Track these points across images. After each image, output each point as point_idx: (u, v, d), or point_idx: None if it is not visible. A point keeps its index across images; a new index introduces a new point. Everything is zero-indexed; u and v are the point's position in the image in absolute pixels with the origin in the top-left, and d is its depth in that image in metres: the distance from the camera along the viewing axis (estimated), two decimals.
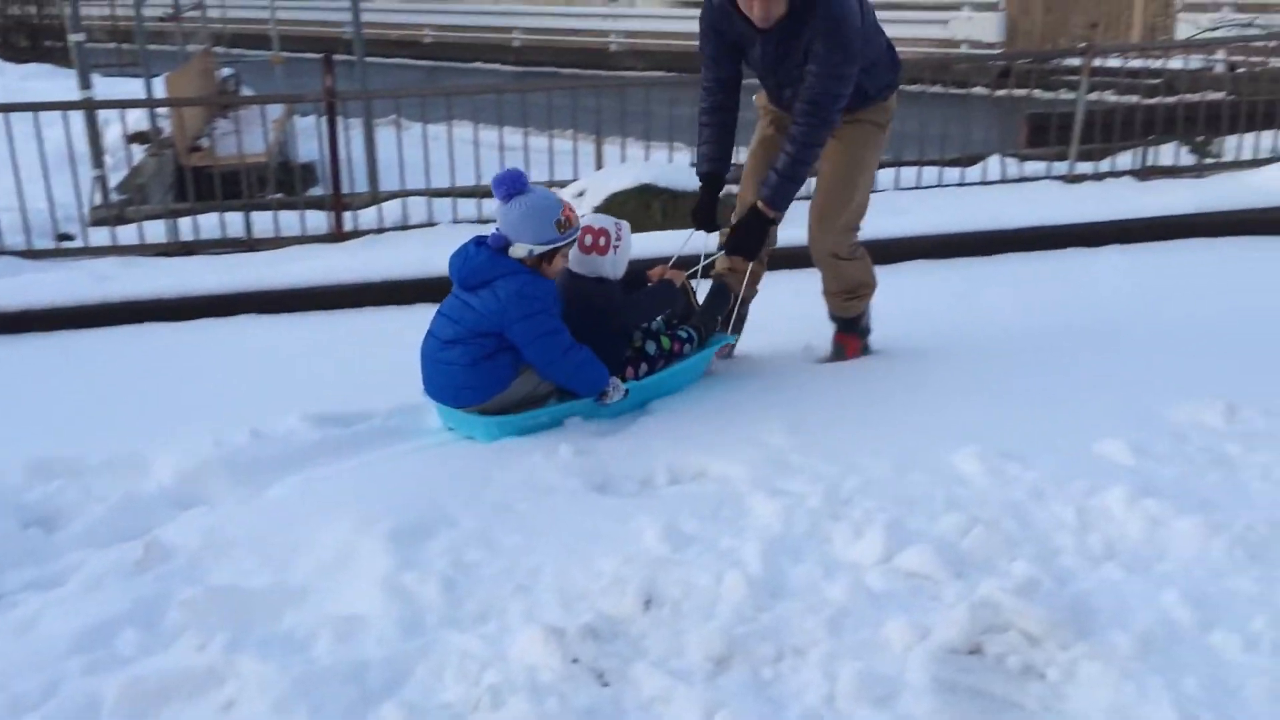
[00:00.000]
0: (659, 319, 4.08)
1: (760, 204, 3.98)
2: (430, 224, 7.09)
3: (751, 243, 4.05)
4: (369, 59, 10.11)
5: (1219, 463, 3.23)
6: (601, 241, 3.86)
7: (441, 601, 2.65)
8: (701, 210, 4.21)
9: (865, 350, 4.43)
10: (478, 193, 7.34)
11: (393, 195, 7.49)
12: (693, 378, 4.06)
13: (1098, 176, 7.62)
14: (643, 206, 6.92)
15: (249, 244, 6.78)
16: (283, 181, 9.46)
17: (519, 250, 3.62)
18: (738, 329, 4.36)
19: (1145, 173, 7.68)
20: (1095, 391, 3.85)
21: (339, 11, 16.50)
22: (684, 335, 4.04)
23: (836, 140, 3.99)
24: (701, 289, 4.34)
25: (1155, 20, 16.82)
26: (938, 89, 8.73)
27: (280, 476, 3.45)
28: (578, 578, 2.73)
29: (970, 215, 6.21)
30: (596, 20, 26.25)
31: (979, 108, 10.19)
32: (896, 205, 7.25)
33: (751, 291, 4.37)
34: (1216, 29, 12.98)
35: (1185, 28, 14.74)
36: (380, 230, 7.00)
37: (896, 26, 19.52)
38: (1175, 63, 9.81)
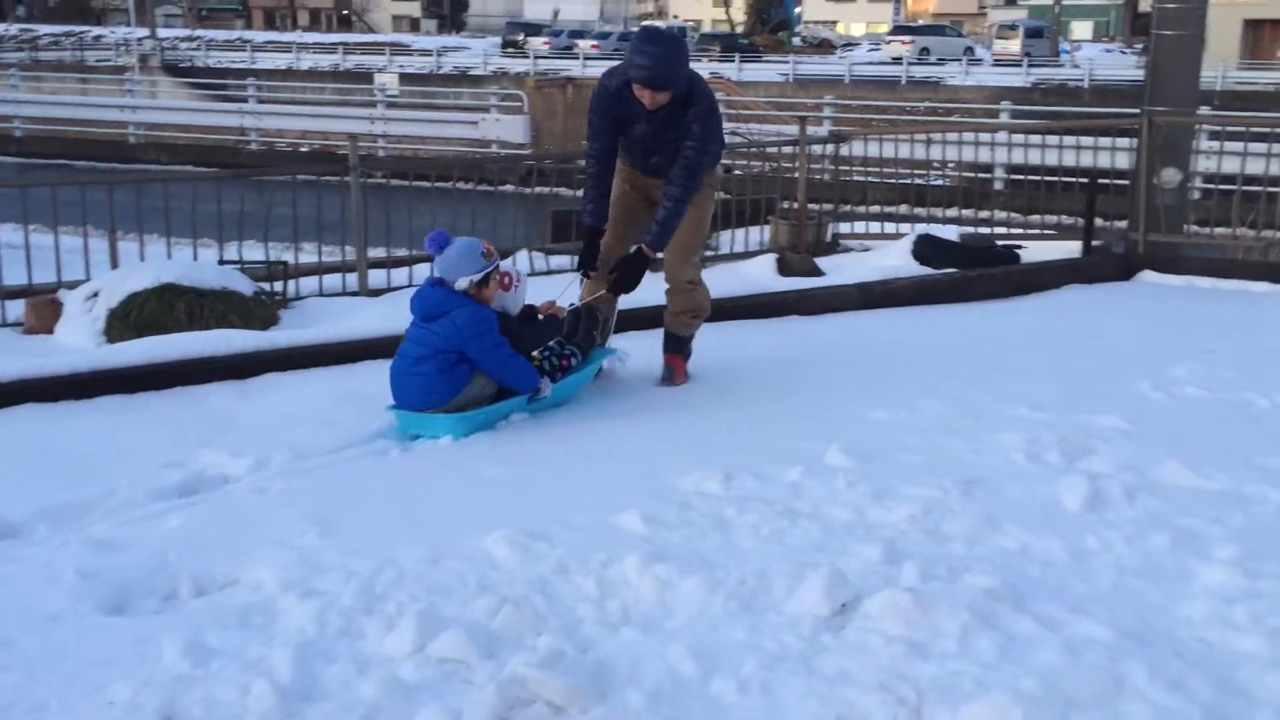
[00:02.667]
0: (552, 341, 5.07)
1: (644, 248, 5.07)
2: None
3: (635, 280, 5.14)
4: None
5: (718, 526, 3.59)
6: (506, 280, 4.82)
7: None
8: (587, 256, 5.20)
9: (687, 375, 5.39)
10: None
11: None
12: (585, 382, 5.13)
13: None
14: (166, 307, 6.59)
15: None
16: None
17: (461, 283, 4.61)
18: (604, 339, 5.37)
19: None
20: (613, 466, 4.16)
21: None
22: (569, 352, 5.07)
23: None
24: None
25: None
26: (470, 186, 9.10)
27: None
28: (86, 711, 2.53)
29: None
30: (114, 111, 24.71)
31: (509, 204, 10.67)
32: None
33: (612, 310, 5.42)
34: None
35: None
36: None
37: (432, 127, 20.13)
38: None
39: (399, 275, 8.04)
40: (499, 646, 2.82)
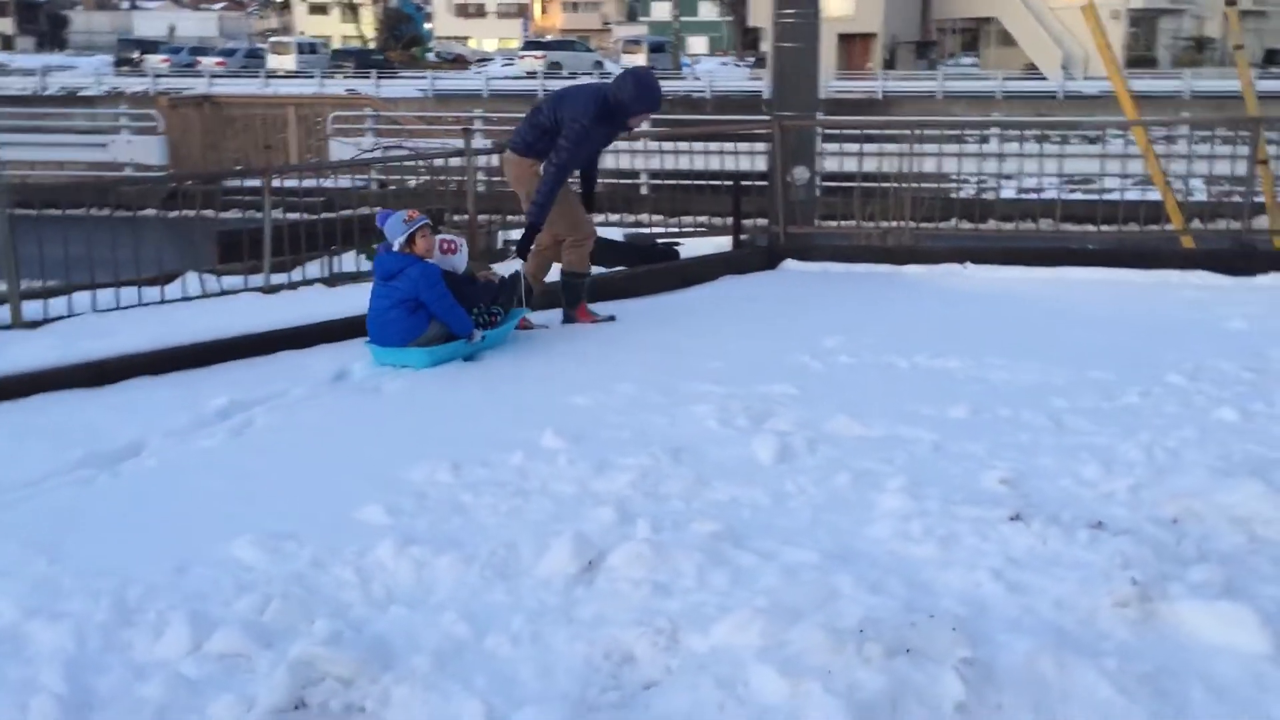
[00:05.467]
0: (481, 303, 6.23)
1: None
2: None
3: None
4: None
5: (458, 509, 3.80)
6: (452, 247, 6.17)
7: None
8: (526, 246, 6.50)
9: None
10: None
11: None
12: (507, 333, 6.31)
13: (292, 285, 8.16)
14: None
15: None
16: None
17: (396, 244, 5.90)
18: (528, 303, 6.64)
19: (333, 280, 8.39)
20: (342, 467, 4.26)
21: None
22: (494, 311, 6.25)
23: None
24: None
25: (310, 144, 18.20)
26: (106, 212, 8.63)
27: None
28: None
29: (182, 329, 6.31)
30: None
31: (161, 228, 10.21)
32: (101, 328, 7.07)
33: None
34: (372, 150, 14.51)
35: (337, 150, 16.19)
36: None
37: (54, 150, 18.67)
38: (345, 182, 10.84)
39: (57, 305, 7.55)
40: (275, 637, 2.90)
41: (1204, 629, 2.87)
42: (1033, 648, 2.72)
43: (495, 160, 10.48)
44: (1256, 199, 9.23)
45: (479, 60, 59.51)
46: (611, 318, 7.00)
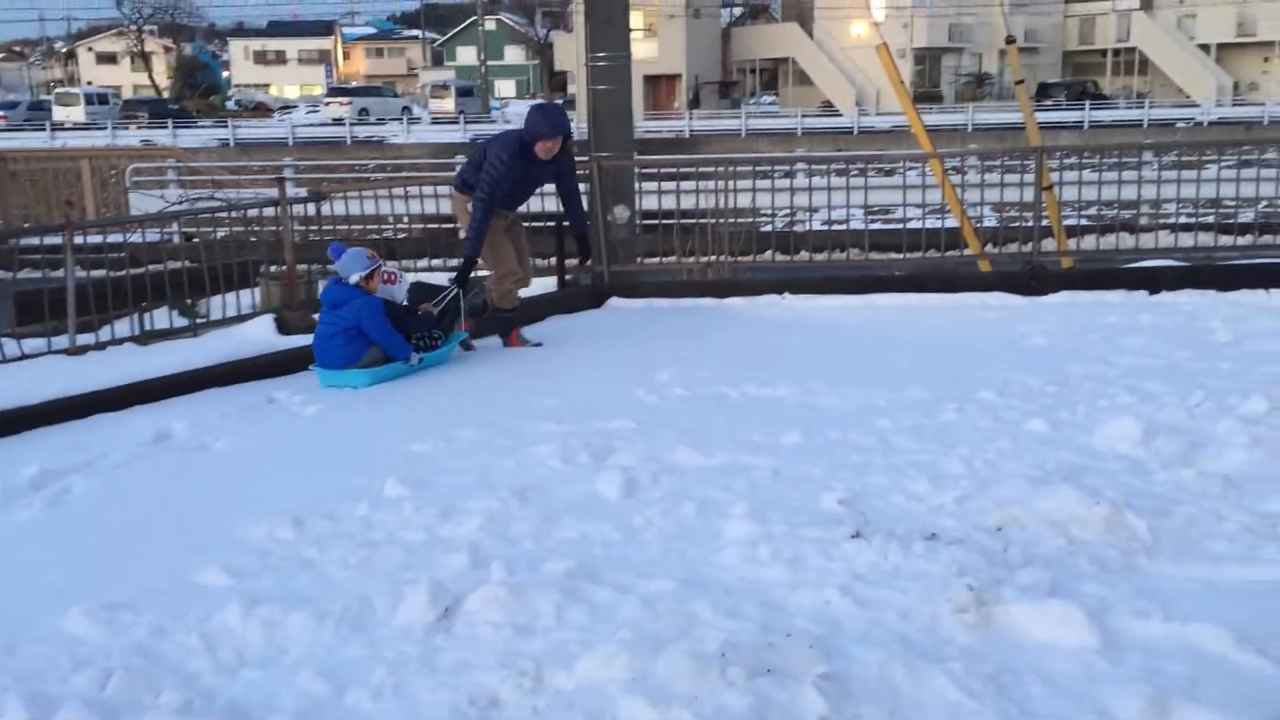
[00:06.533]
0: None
1: (582, 232, 7.83)
2: None
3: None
4: None
5: (304, 565, 3.71)
6: (392, 279, 6.86)
7: None
8: (465, 276, 7.18)
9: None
10: None
11: None
12: (448, 354, 7.03)
13: (100, 345, 7.78)
14: None
15: None
16: None
17: (354, 278, 6.54)
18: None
19: (144, 337, 8.05)
20: (176, 529, 4.11)
21: None
22: (435, 334, 6.95)
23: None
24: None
25: (106, 198, 17.37)
26: None
27: None
28: None
29: None
30: None
31: None
32: None
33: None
34: (180, 202, 13.99)
35: (139, 203, 15.53)
36: None
37: None
38: (152, 235, 10.41)
39: None
40: (120, 712, 2.77)
41: (1036, 628, 3.05)
42: (884, 658, 2.84)
43: (311, 209, 10.29)
44: (1043, 223, 9.86)
45: (282, 108, 58.16)
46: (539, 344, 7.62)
